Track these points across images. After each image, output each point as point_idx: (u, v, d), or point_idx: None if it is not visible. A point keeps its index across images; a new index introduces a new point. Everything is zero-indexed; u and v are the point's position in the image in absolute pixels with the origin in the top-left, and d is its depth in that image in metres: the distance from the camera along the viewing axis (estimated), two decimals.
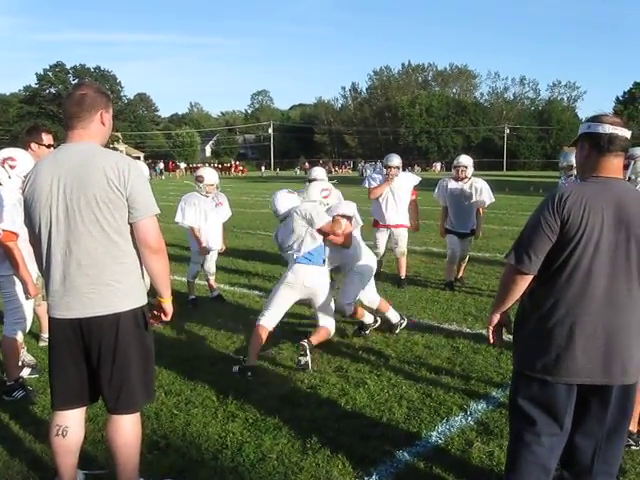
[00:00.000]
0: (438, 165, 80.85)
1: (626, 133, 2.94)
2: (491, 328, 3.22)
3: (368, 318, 6.54)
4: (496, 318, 3.18)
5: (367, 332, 6.59)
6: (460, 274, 9.20)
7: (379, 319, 6.65)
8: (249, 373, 5.36)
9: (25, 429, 4.43)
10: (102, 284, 3.12)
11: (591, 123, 2.99)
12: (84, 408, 3.41)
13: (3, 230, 4.79)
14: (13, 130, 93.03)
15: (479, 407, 4.72)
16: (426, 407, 4.72)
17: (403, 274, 9.33)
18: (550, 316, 2.92)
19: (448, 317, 7.32)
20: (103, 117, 3.25)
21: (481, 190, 8.71)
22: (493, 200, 8.93)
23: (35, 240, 3.25)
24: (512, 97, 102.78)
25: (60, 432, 3.30)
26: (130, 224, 3.14)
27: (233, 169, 75.19)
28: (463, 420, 4.50)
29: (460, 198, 8.77)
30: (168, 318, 3.45)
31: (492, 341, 3.27)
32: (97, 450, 4.04)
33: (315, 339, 5.74)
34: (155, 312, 3.42)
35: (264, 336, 5.62)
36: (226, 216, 8.34)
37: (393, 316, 6.64)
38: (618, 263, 2.84)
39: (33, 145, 5.58)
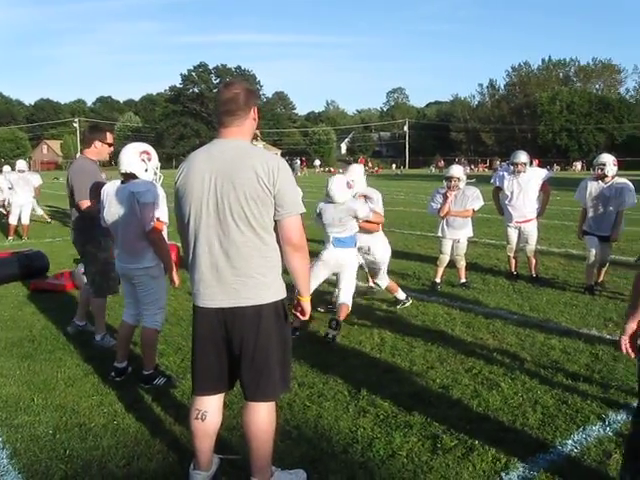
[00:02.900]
0: (579, 164, 77.13)
1: None
2: (625, 338, 3.09)
3: (401, 294, 7.71)
4: (631, 328, 3.04)
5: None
6: (600, 278, 8.77)
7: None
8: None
9: (166, 412, 4.66)
10: (248, 276, 3.22)
11: None
12: (222, 394, 3.54)
13: (157, 220, 5.00)
14: (159, 128, 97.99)
15: (619, 417, 4.49)
16: (562, 414, 4.56)
17: (535, 272, 9.28)
18: None
19: (587, 322, 7.03)
20: (255, 113, 3.38)
21: (621, 191, 8.25)
22: (635, 202, 8.42)
23: (183, 230, 3.38)
24: None
25: (199, 416, 3.43)
26: (275, 221, 3.23)
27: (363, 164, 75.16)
28: (601, 430, 4.30)
29: (600, 199, 8.35)
30: (306, 317, 3.51)
31: (624, 350, 3.13)
32: (232, 436, 4.18)
33: (342, 316, 6.48)
34: (293, 310, 3.48)
35: None
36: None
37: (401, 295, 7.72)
38: None
39: (97, 143, 5.88)
